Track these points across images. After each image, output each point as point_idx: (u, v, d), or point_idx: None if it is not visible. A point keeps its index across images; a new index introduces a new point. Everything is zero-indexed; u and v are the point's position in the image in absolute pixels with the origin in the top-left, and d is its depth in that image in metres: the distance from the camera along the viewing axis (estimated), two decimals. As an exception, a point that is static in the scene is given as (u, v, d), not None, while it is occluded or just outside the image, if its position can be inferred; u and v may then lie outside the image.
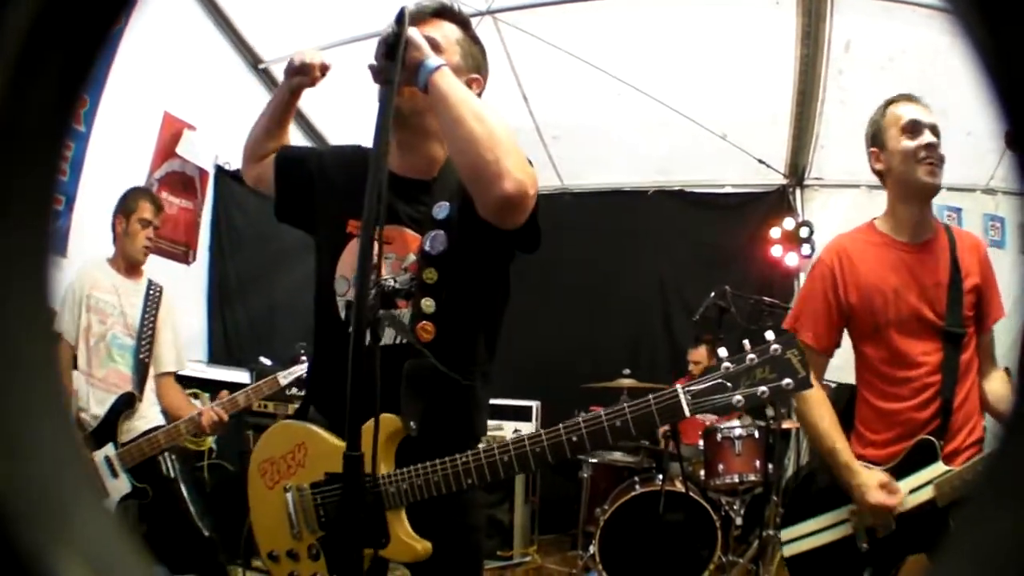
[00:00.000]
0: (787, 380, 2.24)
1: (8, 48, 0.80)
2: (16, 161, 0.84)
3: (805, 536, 3.54)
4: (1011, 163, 0.80)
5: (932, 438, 3.30)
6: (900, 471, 3.32)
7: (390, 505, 2.46)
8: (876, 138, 3.63)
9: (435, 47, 2.52)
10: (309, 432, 2.70)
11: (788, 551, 3.60)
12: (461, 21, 2.80)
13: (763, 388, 2.25)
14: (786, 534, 3.63)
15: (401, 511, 2.48)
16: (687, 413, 2.26)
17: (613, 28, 8.03)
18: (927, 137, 3.44)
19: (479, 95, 2.67)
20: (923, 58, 7.30)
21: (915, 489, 3.27)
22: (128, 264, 5.34)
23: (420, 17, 2.57)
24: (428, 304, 2.54)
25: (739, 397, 2.26)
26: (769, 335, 2.31)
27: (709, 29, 7.94)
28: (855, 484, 3.29)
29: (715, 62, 8.21)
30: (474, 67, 2.76)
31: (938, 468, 3.24)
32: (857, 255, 3.56)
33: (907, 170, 3.51)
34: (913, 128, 3.48)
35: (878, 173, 3.68)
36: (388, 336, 2.54)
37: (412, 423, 2.46)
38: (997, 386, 3.48)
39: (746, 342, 2.32)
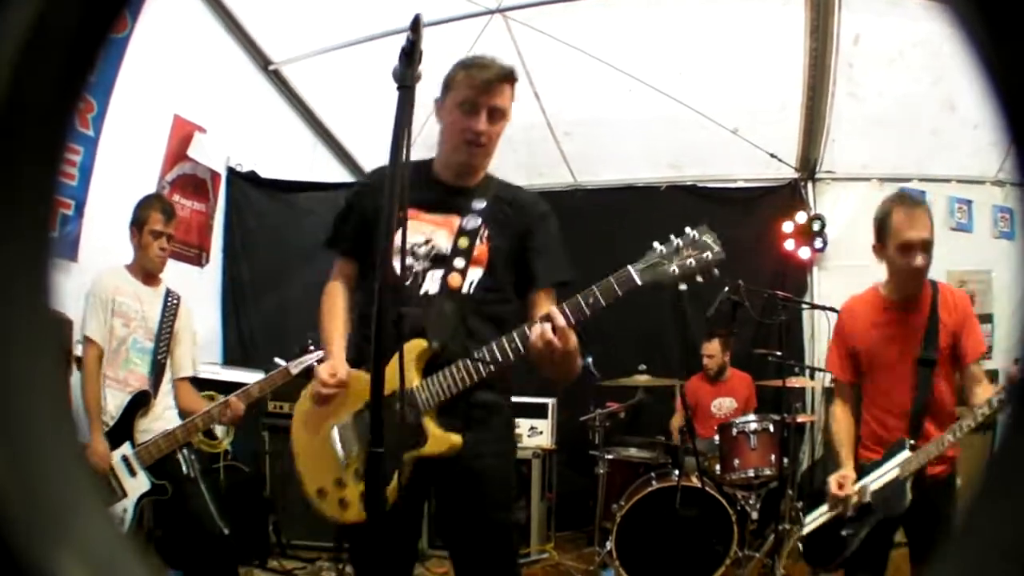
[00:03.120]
0: (707, 254, 3.13)
1: (8, 47, 0.81)
2: (16, 162, 0.85)
3: (820, 516, 4.62)
4: (1013, 160, 0.81)
5: (904, 437, 4.34)
6: (882, 461, 4.41)
7: (424, 408, 3.18)
8: (880, 234, 4.42)
9: (502, 115, 3.48)
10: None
11: (807, 528, 4.75)
12: (516, 77, 3.58)
13: (691, 260, 3.13)
14: (808, 519, 4.76)
15: (433, 413, 3.19)
16: (638, 282, 3.14)
17: (624, 24, 8.02)
18: (917, 260, 4.24)
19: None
20: (932, 52, 7.30)
21: (887, 472, 4.34)
22: (146, 273, 5.40)
23: (489, 84, 3.41)
24: (459, 261, 3.39)
25: (674, 268, 3.14)
26: (689, 229, 3.17)
27: (718, 25, 7.93)
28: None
29: (725, 57, 8.21)
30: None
31: (904, 455, 4.29)
32: (859, 314, 4.65)
33: (900, 276, 4.41)
34: (907, 249, 4.25)
35: (880, 258, 4.52)
36: (433, 285, 3.37)
37: (435, 343, 3.24)
38: (977, 397, 4.29)
39: (672, 235, 3.19)
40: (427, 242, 3.45)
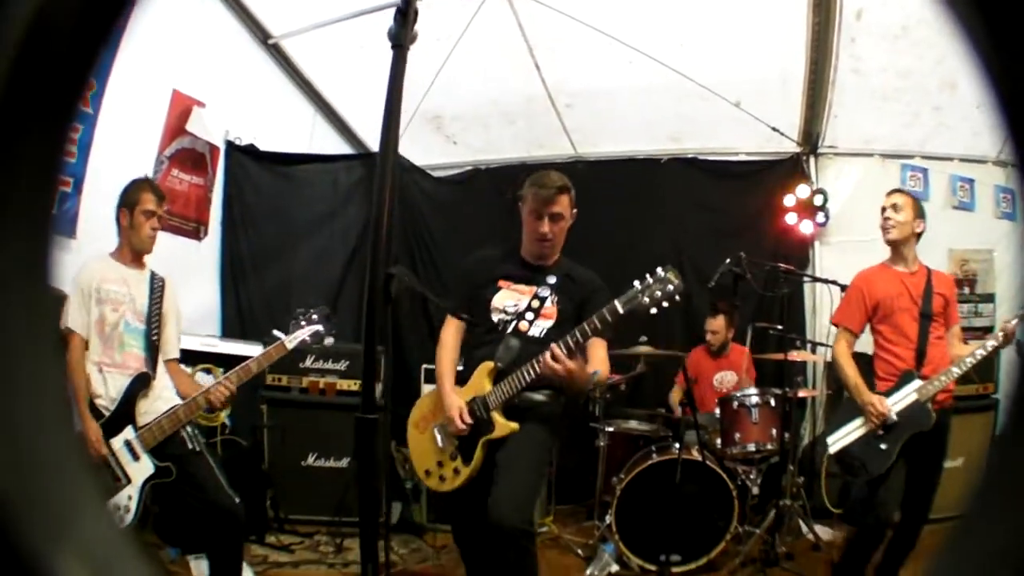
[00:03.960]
0: (669, 286, 4.28)
1: (12, 33, 0.80)
2: (20, 146, 0.85)
3: (845, 436, 5.76)
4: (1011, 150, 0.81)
5: (912, 370, 5.66)
6: (896, 388, 5.66)
7: (492, 407, 4.56)
8: None
9: (561, 217, 4.79)
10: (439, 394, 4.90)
11: (833, 448, 5.84)
12: (569, 188, 4.84)
13: (658, 292, 4.28)
14: (831, 439, 5.86)
15: (499, 409, 4.56)
16: (621, 312, 4.32)
17: (625, -4, 7.98)
18: (884, 214, 5.89)
19: (574, 214, 4.93)
20: (936, 29, 7.25)
21: (905, 396, 5.59)
22: (134, 255, 5.39)
23: (549, 197, 4.71)
24: (529, 315, 4.71)
25: (646, 299, 4.28)
26: (659, 269, 4.34)
27: (721, -3, 7.89)
28: (863, 399, 5.67)
29: (727, 30, 8.14)
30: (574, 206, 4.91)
31: (917, 383, 5.60)
32: (874, 279, 5.95)
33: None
34: (881, 211, 5.94)
35: None
36: (511, 329, 4.71)
37: (499, 363, 4.60)
38: (958, 351, 5.76)
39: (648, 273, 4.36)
40: (515, 304, 4.80)
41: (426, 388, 7.95)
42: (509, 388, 4.53)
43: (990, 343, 5.59)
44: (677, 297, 4.30)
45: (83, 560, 0.84)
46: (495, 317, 4.80)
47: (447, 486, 4.72)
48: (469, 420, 4.63)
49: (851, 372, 5.85)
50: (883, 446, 5.58)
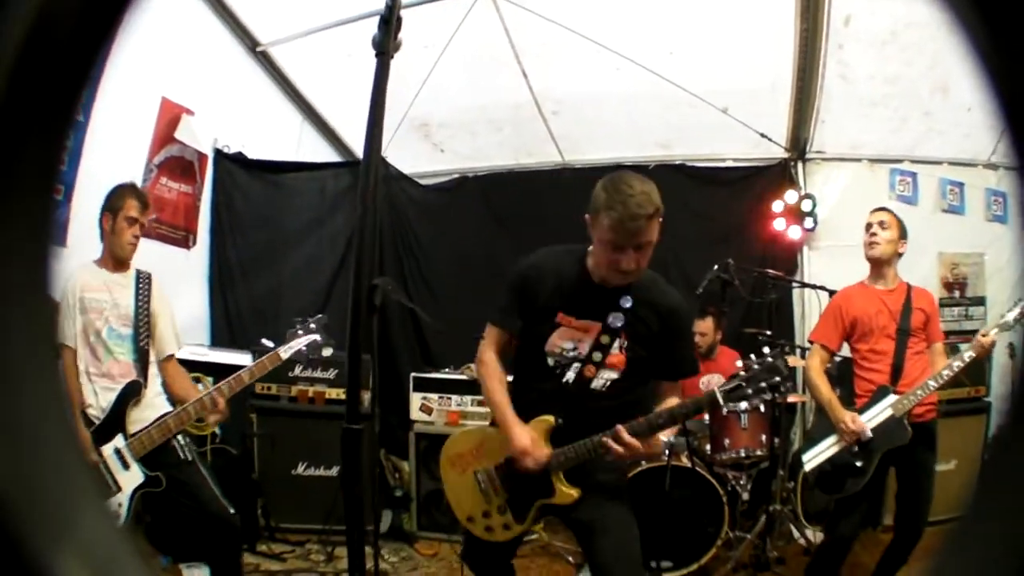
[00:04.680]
0: (776, 377, 3.82)
1: (12, 33, 0.81)
2: (20, 150, 0.85)
3: (820, 453, 5.78)
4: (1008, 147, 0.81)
5: (887, 385, 5.67)
6: (870, 404, 5.68)
7: (552, 470, 4.00)
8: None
9: (649, 245, 3.77)
10: (484, 432, 4.43)
11: (808, 465, 5.87)
12: (660, 210, 3.74)
13: (763, 384, 3.82)
14: (806, 457, 5.89)
15: (560, 473, 4.01)
16: (723, 407, 4.22)
17: (613, 3, 7.98)
18: (871, 230, 5.91)
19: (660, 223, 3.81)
20: (925, 34, 7.28)
21: (880, 412, 5.60)
22: (116, 261, 5.34)
23: (636, 230, 3.64)
24: (596, 356, 3.99)
25: (750, 391, 3.85)
26: (766, 350, 3.91)
27: (709, 4, 7.89)
28: (836, 416, 5.69)
29: (715, 37, 8.16)
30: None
31: (892, 398, 5.61)
32: (854, 297, 6.00)
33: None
34: (866, 228, 5.97)
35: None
36: (571, 375, 4.04)
37: (559, 420, 4.02)
38: (939, 368, 5.58)
39: (754, 356, 3.94)
40: (574, 347, 4.04)
41: (415, 396, 7.96)
42: (571, 457, 3.95)
43: (967, 355, 5.51)
44: (783, 389, 3.99)
45: (83, 560, 0.84)
46: (550, 360, 4.08)
47: (496, 538, 4.23)
48: (542, 460, 4.00)
49: (824, 389, 5.88)
50: (858, 463, 5.61)
